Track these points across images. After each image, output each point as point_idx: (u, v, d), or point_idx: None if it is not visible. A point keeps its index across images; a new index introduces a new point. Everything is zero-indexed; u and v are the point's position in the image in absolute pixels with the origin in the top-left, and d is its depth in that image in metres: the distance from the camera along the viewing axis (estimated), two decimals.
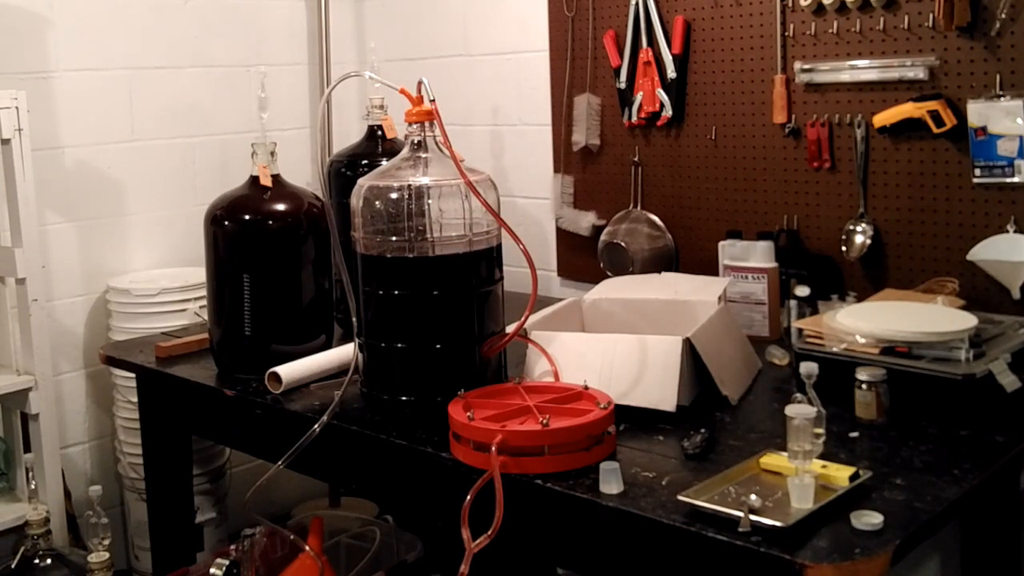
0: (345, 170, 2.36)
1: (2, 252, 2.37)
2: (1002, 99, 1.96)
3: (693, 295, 2.03)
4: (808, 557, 1.25)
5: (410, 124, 1.83)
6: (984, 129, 1.98)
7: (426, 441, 1.69)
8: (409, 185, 1.80)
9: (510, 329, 1.83)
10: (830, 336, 1.78)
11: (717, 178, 2.43)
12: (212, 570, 2.12)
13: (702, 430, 1.62)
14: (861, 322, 1.77)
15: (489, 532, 1.45)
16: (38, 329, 2.37)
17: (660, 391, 1.72)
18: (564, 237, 2.77)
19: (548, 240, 2.83)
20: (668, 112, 2.47)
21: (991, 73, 1.99)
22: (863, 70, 2.15)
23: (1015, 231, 1.99)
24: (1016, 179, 1.96)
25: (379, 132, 2.42)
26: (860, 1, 2.13)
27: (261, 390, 2.00)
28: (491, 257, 1.83)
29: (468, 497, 1.48)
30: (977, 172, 2.01)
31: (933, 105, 2.04)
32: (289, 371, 1.99)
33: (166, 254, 2.88)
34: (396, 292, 1.78)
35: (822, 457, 1.47)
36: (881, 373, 1.65)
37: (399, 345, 1.78)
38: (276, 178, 2.15)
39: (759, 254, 2.20)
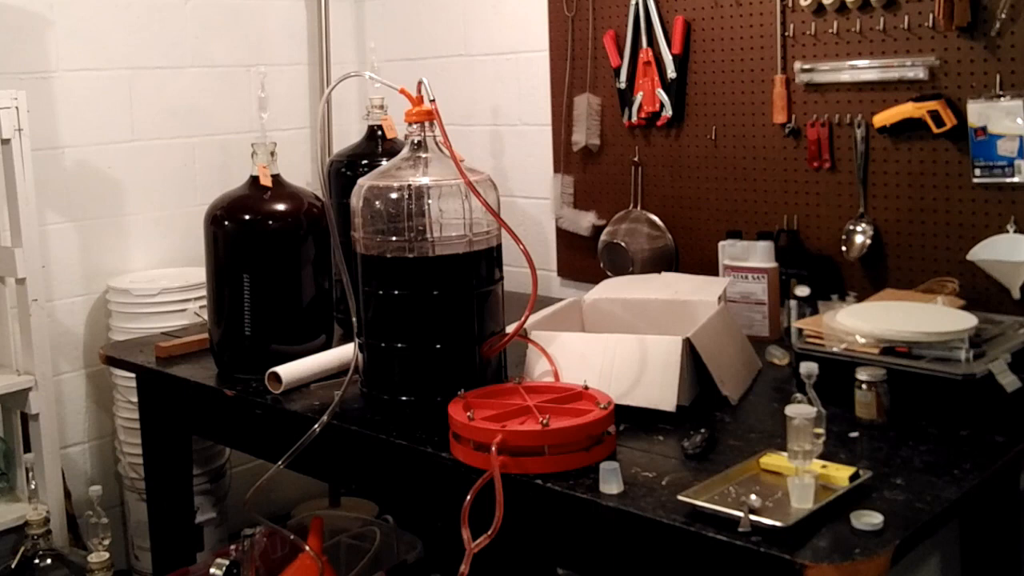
0: (345, 170, 2.36)
1: (2, 252, 2.36)
2: (1002, 99, 1.96)
3: (693, 295, 2.03)
4: (808, 557, 1.25)
5: (410, 124, 1.83)
6: (984, 129, 1.98)
7: (426, 441, 1.69)
8: (409, 185, 1.80)
9: (510, 329, 1.83)
10: (830, 336, 1.78)
11: (717, 178, 2.43)
12: (212, 570, 2.12)
13: (702, 430, 1.62)
14: (861, 322, 1.77)
15: (489, 532, 1.45)
16: (38, 329, 2.37)
17: (660, 391, 1.72)
18: (564, 237, 2.77)
19: (548, 240, 2.83)
20: (668, 112, 2.47)
21: (991, 73, 1.99)
22: (863, 70, 2.15)
23: (1015, 231, 1.99)
24: (1016, 179, 1.96)
25: (379, 132, 2.42)
26: (860, 1, 2.13)
27: (261, 390, 2.00)
28: (491, 257, 1.83)
29: (468, 497, 1.48)
30: (977, 172, 2.01)
31: (933, 105, 2.04)
32: (289, 371, 1.99)
33: (166, 254, 2.88)
34: (396, 292, 1.78)
35: (822, 457, 1.47)
36: (881, 373, 1.65)
37: (399, 345, 1.78)
38: (276, 178, 2.15)
39: (759, 254, 2.20)
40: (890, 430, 1.63)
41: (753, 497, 1.35)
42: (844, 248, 2.21)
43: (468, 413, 1.59)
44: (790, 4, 2.24)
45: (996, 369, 1.66)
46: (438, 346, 1.77)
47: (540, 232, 2.84)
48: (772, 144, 2.32)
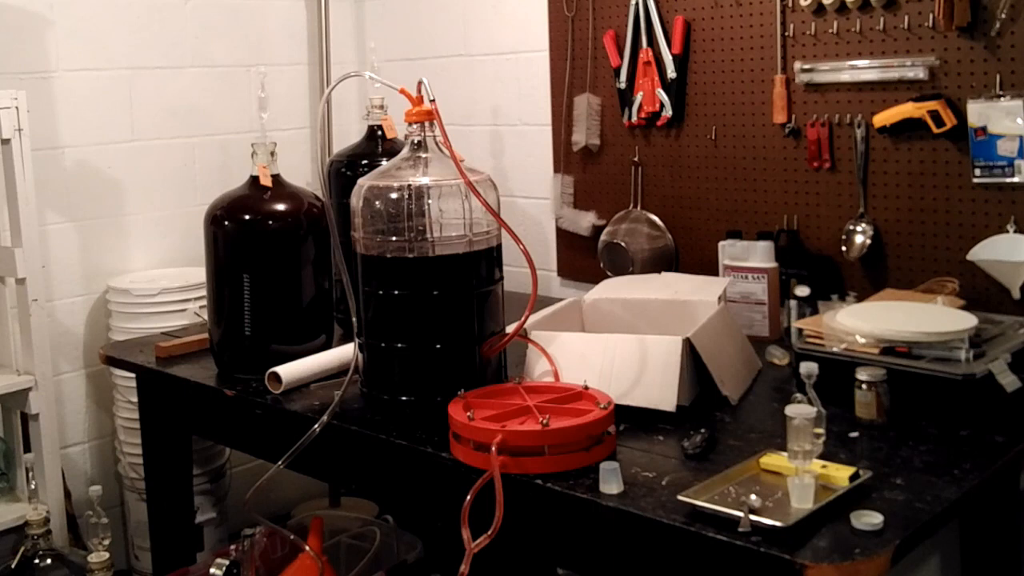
0: (345, 170, 2.36)
1: (2, 252, 2.36)
2: (1002, 99, 1.96)
3: (693, 295, 2.03)
4: (808, 557, 1.25)
5: (410, 124, 1.83)
6: (984, 129, 1.98)
7: (426, 441, 1.69)
8: (409, 185, 1.80)
9: (510, 329, 1.83)
10: (830, 336, 1.78)
11: (717, 178, 2.43)
12: (212, 570, 2.12)
13: (702, 430, 1.62)
14: (861, 322, 1.77)
15: (489, 532, 1.45)
16: (38, 329, 2.37)
17: (660, 391, 1.72)
18: (564, 237, 2.77)
19: (548, 240, 2.83)
20: (668, 112, 2.47)
21: (991, 73, 1.99)
22: (863, 70, 2.15)
23: (1015, 231, 1.99)
24: (1016, 179, 1.96)
25: (379, 132, 2.42)
26: (860, 1, 2.13)
27: (261, 390, 2.00)
28: (491, 257, 1.83)
29: (468, 497, 1.48)
30: (977, 172, 2.01)
31: (933, 105, 2.04)
32: (289, 371, 1.99)
33: (166, 254, 2.88)
34: (396, 292, 1.78)
35: (822, 457, 1.47)
36: (881, 373, 1.65)
37: (399, 345, 1.78)
38: (276, 178, 2.15)
39: (759, 254, 2.20)
40: (890, 430, 1.63)
41: (753, 497, 1.35)
42: (844, 248, 2.21)
43: (468, 413, 1.59)
44: (790, 4, 2.24)
45: (996, 369, 1.66)
46: (438, 346, 1.77)
47: (540, 232, 2.84)
48: (772, 144, 2.32)
